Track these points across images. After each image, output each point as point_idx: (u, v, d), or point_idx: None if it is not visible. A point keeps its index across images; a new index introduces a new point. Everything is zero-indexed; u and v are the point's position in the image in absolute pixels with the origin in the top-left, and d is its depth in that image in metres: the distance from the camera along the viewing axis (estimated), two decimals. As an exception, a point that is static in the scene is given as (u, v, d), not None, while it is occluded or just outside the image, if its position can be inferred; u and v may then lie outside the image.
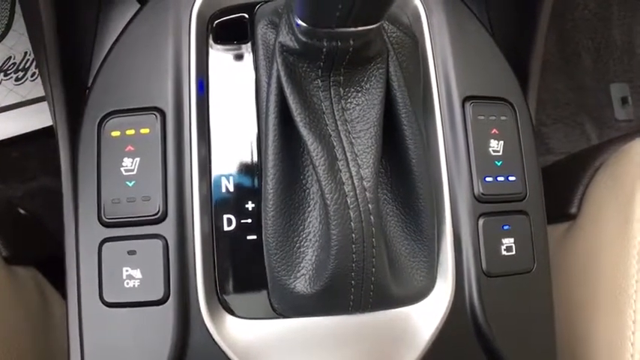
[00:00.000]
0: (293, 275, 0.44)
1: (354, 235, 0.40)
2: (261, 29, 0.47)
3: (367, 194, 0.41)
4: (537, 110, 0.58)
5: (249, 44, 0.50)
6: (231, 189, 0.48)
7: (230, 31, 0.50)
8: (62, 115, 0.49)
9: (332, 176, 0.40)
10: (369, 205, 0.41)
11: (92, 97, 0.48)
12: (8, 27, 1.01)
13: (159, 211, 0.45)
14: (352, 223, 0.40)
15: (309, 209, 0.45)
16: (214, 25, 0.50)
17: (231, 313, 0.46)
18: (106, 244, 0.45)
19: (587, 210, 0.62)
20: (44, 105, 0.97)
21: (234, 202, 0.47)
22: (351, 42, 0.38)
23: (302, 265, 0.44)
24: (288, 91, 0.41)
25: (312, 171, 0.45)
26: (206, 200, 0.47)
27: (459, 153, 0.49)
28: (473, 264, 0.48)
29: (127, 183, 0.46)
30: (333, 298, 0.44)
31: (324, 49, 0.38)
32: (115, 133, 0.46)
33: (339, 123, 0.42)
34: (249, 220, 0.47)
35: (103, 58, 0.49)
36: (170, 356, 0.44)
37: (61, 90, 0.49)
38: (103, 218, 0.45)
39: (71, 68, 0.50)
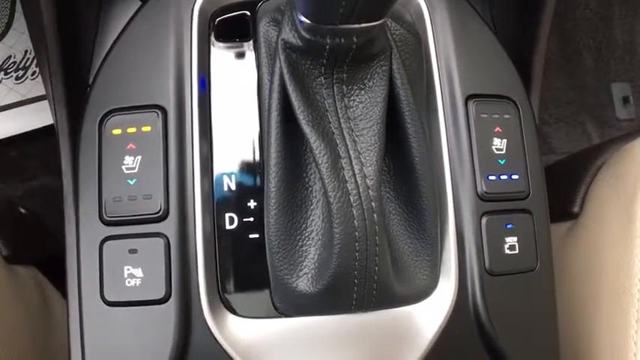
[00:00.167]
0: (295, 274, 0.44)
1: (357, 234, 0.40)
2: (264, 27, 0.46)
3: (370, 192, 0.41)
4: (539, 109, 0.58)
5: (251, 42, 0.50)
6: (233, 187, 0.47)
7: (232, 28, 0.50)
8: (63, 114, 0.49)
9: (335, 174, 0.40)
10: (372, 204, 0.41)
11: (93, 95, 0.48)
12: (8, 26, 1.01)
13: (160, 210, 0.45)
14: (355, 222, 0.40)
15: (312, 207, 0.44)
16: (216, 22, 0.50)
17: (233, 312, 0.46)
18: (107, 243, 0.45)
19: (590, 209, 0.62)
20: (44, 104, 0.97)
21: (236, 200, 0.47)
22: (354, 39, 0.37)
23: (304, 263, 0.44)
24: (290, 88, 0.41)
25: (314, 169, 0.44)
26: (208, 198, 0.47)
27: (462, 151, 0.49)
28: (476, 263, 0.48)
29: (129, 181, 0.45)
30: (335, 297, 0.43)
31: (327, 46, 0.38)
32: (117, 131, 0.46)
33: (342, 121, 0.42)
34: (252, 219, 0.47)
35: (104, 56, 0.49)
36: (171, 355, 0.44)
37: (62, 88, 0.49)
38: (104, 217, 0.45)
39: (72, 67, 0.50)
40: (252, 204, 0.47)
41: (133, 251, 0.44)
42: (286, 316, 0.46)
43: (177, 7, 0.49)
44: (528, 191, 0.50)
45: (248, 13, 0.50)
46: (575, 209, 0.63)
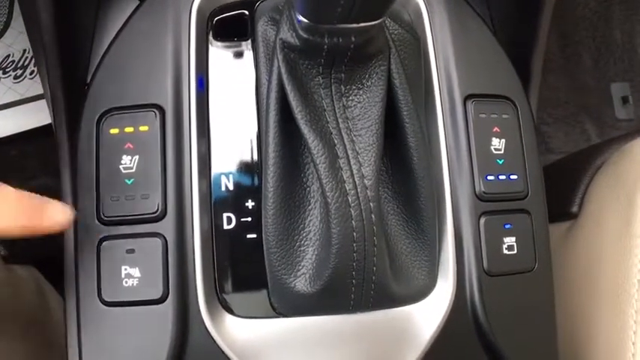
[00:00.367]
0: (293, 274, 0.44)
1: (355, 234, 0.40)
2: (262, 26, 0.46)
3: (368, 192, 0.41)
4: (538, 109, 0.58)
5: (249, 41, 0.49)
6: (231, 187, 0.47)
7: (230, 28, 0.50)
8: (61, 113, 0.49)
9: (333, 174, 0.40)
10: (370, 204, 0.40)
11: (91, 95, 0.48)
12: (7, 25, 1.01)
13: (158, 210, 0.45)
14: (353, 222, 0.40)
15: (310, 207, 0.44)
16: (214, 22, 0.50)
17: (231, 312, 0.46)
18: (105, 243, 0.45)
19: (589, 209, 0.61)
20: (43, 103, 0.97)
21: (234, 200, 0.47)
22: (353, 38, 0.37)
23: (302, 264, 0.44)
24: (288, 88, 0.41)
25: (312, 169, 0.44)
26: (206, 198, 0.47)
27: (460, 151, 0.49)
28: (474, 263, 0.48)
29: (126, 181, 0.45)
30: (333, 297, 0.43)
31: (326, 46, 0.38)
32: (114, 131, 0.46)
33: (340, 120, 0.42)
34: (249, 219, 0.47)
35: (101, 55, 0.49)
36: (169, 355, 0.44)
37: (59, 88, 0.49)
38: (102, 216, 0.45)
39: (70, 66, 0.50)
40: (249, 204, 0.47)
41: (130, 251, 0.44)
42: (284, 316, 0.46)
43: (175, 6, 0.48)
44: (527, 191, 0.50)
45: (246, 12, 0.50)
46: (574, 209, 0.63)
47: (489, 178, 0.49)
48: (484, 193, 0.49)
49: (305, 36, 0.38)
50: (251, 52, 0.49)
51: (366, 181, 0.41)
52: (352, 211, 0.40)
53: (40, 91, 0.98)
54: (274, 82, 0.42)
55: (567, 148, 1.25)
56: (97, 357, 0.45)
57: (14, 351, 0.54)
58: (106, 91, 0.47)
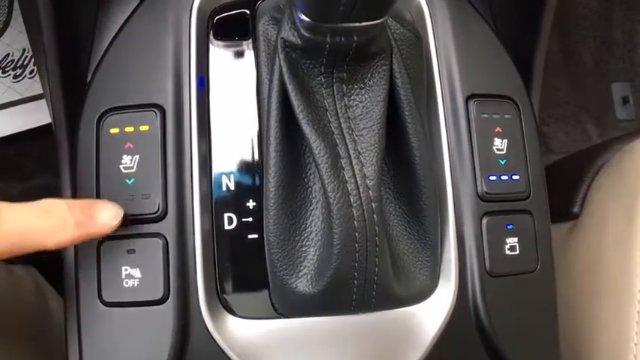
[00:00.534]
0: (295, 274, 0.44)
1: (356, 234, 0.40)
2: (263, 25, 0.46)
3: (370, 193, 0.40)
4: (538, 110, 0.57)
5: (250, 40, 0.49)
6: (232, 187, 0.47)
7: (231, 27, 0.49)
8: (60, 112, 0.49)
9: (335, 174, 0.40)
10: (372, 204, 0.40)
11: (91, 94, 0.48)
12: (6, 24, 1.01)
13: (158, 210, 0.45)
14: (355, 222, 0.40)
15: (312, 208, 0.44)
16: (215, 21, 0.49)
17: (232, 312, 0.46)
18: (105, 243, 0.45)
19: (590, 209, 0.61)
20: (42, 102, 0.97)
21: (235, 200, 0.47)
22: (355, 38, 0.37)
23: (304, 264, 0.44)
24: (290, 87, 0.40)
25: (314, 169, 0.44)
26: (206, 198, 0.46)
27: (462, 151, 0.49)
28: (476, 263, 0.48)
29: (127, 181, 0.45)
30: (335, 297, 0.43)
31: (327, 45, 0.38)
32: (114, 130, 0.46)
33: (341, 120, 0.42)
34: (250, 219, 0.47)
35: (101, 54, 0.49)
36: (170, 356, 0.44)
37: (59, 87, 0.49)
38: None
39: (70, 65, 0.49)
40: (251, 204, 0.47)
41: (131, 251, 0.44)
42: (285, 316, 0.46)
43: (175, 5, 0.48)
44: (529, 192, 0.50)
45: (247, 11, 0.50)
46: (576, 209, 0.63)
47: (491, 178, 0.49)
48: (486, 193, 0.49)
49: (307, 35, 0.38)
50: (252, 52, 0.49)
51: (368, 182, 0.41)
52: (354, 212, 0.40)
53: (40, 90, 0.98)
54: (276, 81, 0.42)
55: (568, 149, 1.24)
56: (97, 358, 0.44)
57: (14, 352, 0.54)
58: (106, 91, 0.47)
